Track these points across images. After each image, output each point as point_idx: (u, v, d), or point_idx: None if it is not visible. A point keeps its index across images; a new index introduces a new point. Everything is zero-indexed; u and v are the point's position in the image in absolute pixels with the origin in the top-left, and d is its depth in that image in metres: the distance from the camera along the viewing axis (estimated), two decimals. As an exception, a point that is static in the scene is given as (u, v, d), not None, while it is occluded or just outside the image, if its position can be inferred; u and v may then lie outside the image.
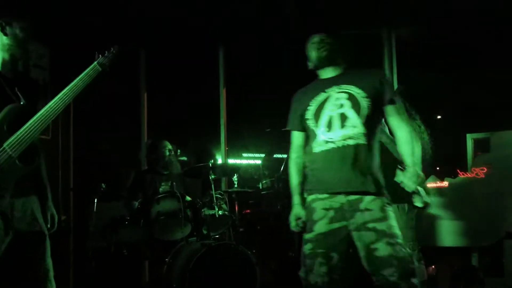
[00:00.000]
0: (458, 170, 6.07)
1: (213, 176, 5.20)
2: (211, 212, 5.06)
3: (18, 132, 2.89)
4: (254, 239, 6.31)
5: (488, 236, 5.65)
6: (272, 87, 7.38)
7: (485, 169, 5.83)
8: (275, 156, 7.61)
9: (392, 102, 3.29)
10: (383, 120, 3.46)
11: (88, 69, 3.14)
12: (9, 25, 3.07)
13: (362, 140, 3.18)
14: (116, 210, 5.40)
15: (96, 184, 5.13)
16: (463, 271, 5.49)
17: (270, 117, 8.08)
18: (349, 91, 3.25)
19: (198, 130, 7.75)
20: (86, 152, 6.26)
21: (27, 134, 2.90)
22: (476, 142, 6.20)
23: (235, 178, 5.69)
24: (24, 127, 2.91)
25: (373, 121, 3.25)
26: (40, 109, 3.00)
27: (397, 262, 3.03)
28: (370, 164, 3.22)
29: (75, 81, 3.07)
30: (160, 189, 5.61)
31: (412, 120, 4.61)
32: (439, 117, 10.05)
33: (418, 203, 3.25)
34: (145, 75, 6.97)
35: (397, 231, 3.16)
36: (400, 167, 3.24)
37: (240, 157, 8.33)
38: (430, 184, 6.02)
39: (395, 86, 6.30)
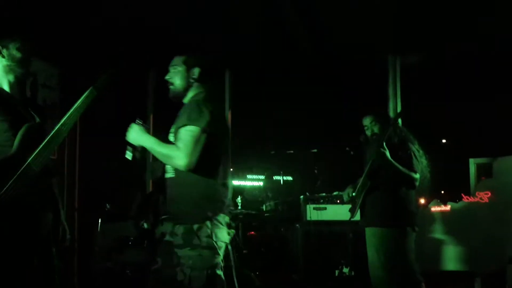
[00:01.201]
0: (462, 194, 6.08)
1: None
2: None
3: (39, 149, 3.02)
4: (257, 262, 6.31)
5: (492, 261, 5.64)
6: (277, 109, 7.43)
7: (489, 194, 5.84)
8: (275, 178, 7.63)
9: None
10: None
11: (85, 94, 3.23)
12: (5, 48, 3.14)
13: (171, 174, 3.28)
14: (123, 230, 5.41)
15: (101, 204, 5.16)
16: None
17: (275, 139, 8.15)
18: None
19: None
20: (92, 172, 6.28)
21: (46, 151, 3.05)
22: (479, 167, 6.22)
23: (239, 199, 5.69)
24: (43, 144, 3.04)
25: None
26: (47, 129, 3.15)
27: None
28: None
29: (73, 107, 3.19)
30: None
31: (411, 144, 4.66)
32: (444, 141, 10.08)
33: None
34: (153, 94, 7.03)
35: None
36: None
37: (245, 178, 8.34)
38: (434, 208, 6.03)
39: (398, 110, 6.34)
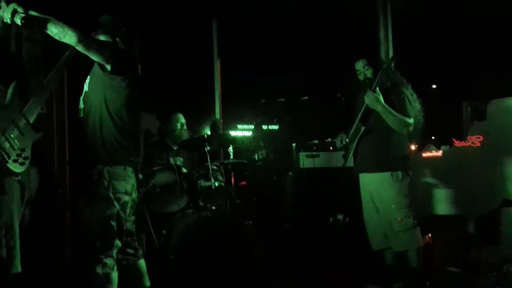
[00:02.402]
0: (453, 139, 6.06)
1: (208, 148, 5.16)
2: (207, 183, 5.04)
3: (31, 101, 3.14)
4: (250, 211, 6.31)
5: (485, 204, 5.65)
6: (267, 57, 7.34)
7: (481, 138, 5.81)
8: (264, 127, 7.59)
9: None
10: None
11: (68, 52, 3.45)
12: None
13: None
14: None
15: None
16: (460, 239, 5.51)
17: (265, 88, 8.09)
18: None
19: (193, 102, 7.72)
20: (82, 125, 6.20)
21: (37, 102, 3.17)
22: (473, 110, 6.17)
23: (230, 149, 5.66)
24: (34, 96, 3.16)
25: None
26: (33, 82, 3.24)
27: None
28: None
29: (59, 62, 3.44)
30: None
31: (404, 88, 4.60)
32: (434, 86, 10.04)
33: None
34: (139, 47, 6.90)
35: None
36: None
37: (235, 128, 8.30)
38: (425, 154, 6.01)
39: (390, 54, 6.25)
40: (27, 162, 3.07)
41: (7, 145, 2.96)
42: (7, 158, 2.94)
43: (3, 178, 3.00)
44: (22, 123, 3.07)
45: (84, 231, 3.47)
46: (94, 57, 3.36)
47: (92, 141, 3.53)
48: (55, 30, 3.20)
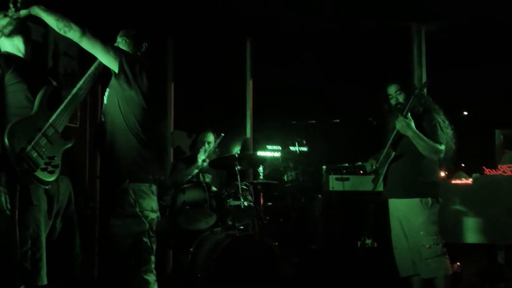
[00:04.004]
0: (484, 167, 6.01)
1: (239, 167, 5.20)
2: (236, 203, 5.07)
3: (59, 109, 3.13)
4: (278, 231, 6.31)
5: (514, 234, 5.59)
6: (299, 77, 7.37)
7: (512, 167, 5.77)
8: (295, 148, 7.60)
9: None
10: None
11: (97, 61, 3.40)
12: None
13: None
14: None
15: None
16: (489, 268, 5.43)
17: (296, 109, 8.10)
18: None
19: (224, 121, 7.78)
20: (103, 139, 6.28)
21: (65, 113, 3.15)
22: (506, 138, 6.12)
23: (260, 169, 5.68)
24: (63, 105, 3.15)
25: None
26: (64, 95, 3.27)
27: None
28: None
29: (87, 73, 3.40)
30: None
31: (436, 114, 4.57)
32: (465, 113, 9.96)
33: None
34: (172, 64, 7.00)
35: None
36: None
37: (265, 149, 8.33)
38: (455, 181, 5.96)
39: (423, 79, 6.24)
40: (56, 170, 3.02)
41: (34, 154, 2.92)
42: (34, 167, 2.90)
43: (31, 189, 2.99)
44: (50, 132, 3.05)
45: (114, 248, 3.40)
46: (100, 55, 3.33)
47: (114, 156, 3.45)
48: (60, 25, 3.22)
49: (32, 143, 2.93)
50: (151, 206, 3.45)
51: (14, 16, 3.21)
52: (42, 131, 3.00)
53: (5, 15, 3.21)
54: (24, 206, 2.97)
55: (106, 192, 3.61)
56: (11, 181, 2.91)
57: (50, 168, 2.99)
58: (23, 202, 2.96)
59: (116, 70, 3.35)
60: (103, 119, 3.54)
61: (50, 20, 3.24)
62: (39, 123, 3.03)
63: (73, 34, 3.23)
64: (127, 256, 3.34)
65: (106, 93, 3.55)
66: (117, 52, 3.38)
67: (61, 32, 3.22)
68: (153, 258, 3.44)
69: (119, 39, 3.66)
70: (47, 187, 3.02)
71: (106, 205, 3.62)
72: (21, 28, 3.27)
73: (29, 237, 2.96)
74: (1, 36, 3.24)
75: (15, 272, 2.89)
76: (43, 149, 2.98)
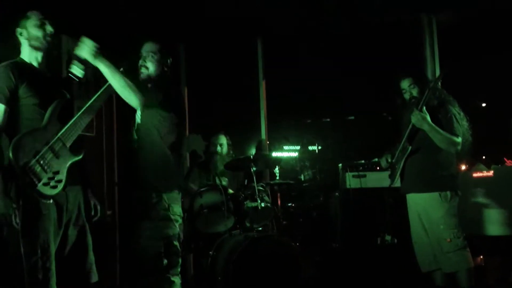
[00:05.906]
0: (505, 159, 5.94)
1: (254, 169, 5.19)
2: (254, 204, 5.06)
3: (69, 124, 3.14)
4: (297, 231, 6.29)
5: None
6: (312, 76, 7.33)
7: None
8: (311, 147, 7.57)
9: None
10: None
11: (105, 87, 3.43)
12: (24, 29, 3.27)
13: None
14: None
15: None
16: (512, 260, 5.36)
17: (310, 108, 8.07)
18: None
19: (238, 123, 7.77)
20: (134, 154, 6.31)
21: (76, 126, 3.17)
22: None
23: (276, 170, 5.66)
24: (74, 119, 3.16)
25: None
26: (79, 105, 3.29)
27: None
28: None
29: (102, 88, 3.40)
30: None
31: (451, 106, 4.52)
32: (484, 104, 9.83)
33: None
34: (185, 69, 7.02)
35: None
36: None
37: (281, 149, 8.30)
38: (476, 173, 5.89)
39: (437, 72, 6.17)
40: (59, 185, 3.03)
41: (38, 168, 2.94)
42: (36, 182, 2.92)
43: (39, 199, 3.01)
44: (58, 146, 3.06)
45: (144, 251, 3.56)
46: (127, 98, 3.48)
47: (147, 169, 3.68)
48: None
49: (37, 156, 2.96)
50: (179, 211, 3.74)
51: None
52: (49, 145, 3.03)
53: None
54: (33, 215, 2.99)
55: (136, 199, 3.70)
56: (18, 192, 2.94)
57: (53, 183, 3.01)
58: (32, 211, 2.97)
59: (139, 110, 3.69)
60: (135, 137, 3.79)
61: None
62: (47, 137, 3.06)
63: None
64: (158, 258, 3.53)
65: (139, 113, 3.77)
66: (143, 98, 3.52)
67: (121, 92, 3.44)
68: (180, 261, 3.68)
69: (144, 54, 3.81)
70: (48, 201, 3.03)
71: (135, 211, 3.68)
72: (47, 49, 3.32)
73: (39, 246, 2.98)
74: (27, 43, 3.26)
75: (24, 283, 2.92)
76: (48, 163, 3.00)
